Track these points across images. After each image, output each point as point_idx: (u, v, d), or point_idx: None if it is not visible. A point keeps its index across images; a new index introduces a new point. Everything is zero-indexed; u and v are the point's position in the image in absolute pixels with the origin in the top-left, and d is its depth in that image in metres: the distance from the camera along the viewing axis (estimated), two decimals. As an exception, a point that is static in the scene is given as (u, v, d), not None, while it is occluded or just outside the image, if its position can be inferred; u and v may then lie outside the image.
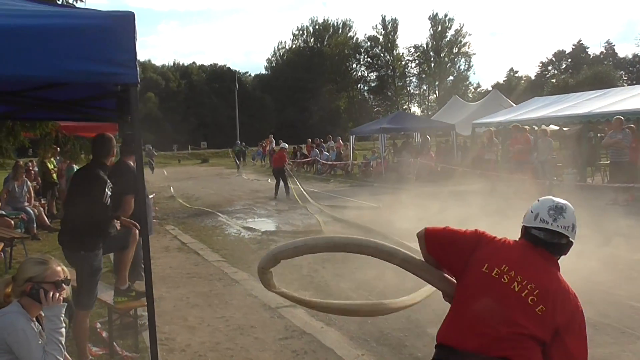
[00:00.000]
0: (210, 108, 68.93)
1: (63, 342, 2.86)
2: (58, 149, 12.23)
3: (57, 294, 2.90)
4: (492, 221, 8.91)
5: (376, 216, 11.77)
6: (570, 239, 2.58)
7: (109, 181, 4.48)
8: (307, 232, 10.53)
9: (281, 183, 16.28)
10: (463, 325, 2.45)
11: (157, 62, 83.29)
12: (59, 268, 2.98)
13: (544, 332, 2.38)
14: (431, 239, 2.81)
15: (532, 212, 2.63)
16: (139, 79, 2.75)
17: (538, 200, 2.69)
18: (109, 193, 4.43)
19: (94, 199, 4.33)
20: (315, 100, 68.88)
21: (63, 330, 2.88)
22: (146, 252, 3.03)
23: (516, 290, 2.42)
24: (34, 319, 2.91)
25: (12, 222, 9.49)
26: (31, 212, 10.62)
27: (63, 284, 2.95)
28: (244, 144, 40.11)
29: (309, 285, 6.71)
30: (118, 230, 4.78)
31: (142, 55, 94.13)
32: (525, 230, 2.62)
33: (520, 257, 2.53)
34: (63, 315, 2.91)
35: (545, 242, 2.54)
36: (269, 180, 20.04)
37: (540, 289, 2.42)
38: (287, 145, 19.06)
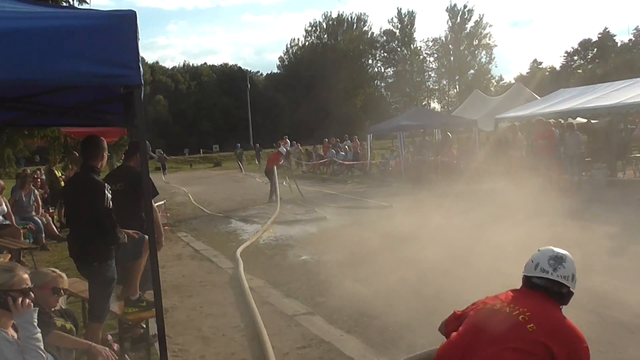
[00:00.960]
0: (222, 110, 69.30)
1: (42, 348, 2.87)
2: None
3: (27, 300, 2.91)
4: (515, 221, 8.84)
5: (387, 217, 11.73)
6: (571, 289, 2.72)
7: (106, 184, 4.48)
8: (320, 234, 10.55)
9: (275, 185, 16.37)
10: (457, 345, 2.64)
11: (167, 64, 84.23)
12: (25, 275, 3.01)
13: (536, 348, 2.47)
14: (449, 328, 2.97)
15: (532, 261, 2.79)
16: (142, 80, 2.75)
17: (539, 250, 2.85)
18: (109, 196, 4.41)
19: (95, 205, 4.32)
20: (331, 99, 68.81)
21: (39, 335, 2.89)
22: (154, 261, 3.03)
23: (507, 311, 2.60)
24: (9, 328, 2.92)
25: (22, 231, 9.52)
26: (39, 221, 10.71)
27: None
28: (239, 146, 40.47)
29: (327, 291, 6.67)
30: (129, 238, 4.79)
31: (150, 57, 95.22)
32: (526, 279, 2.78)
33: (517, 295, 2.73)
34: (35, 320, 2.91)
35: (546, 289, 2.69)
36: (284, 183, 20.04)
37: (532, 312, 2.56)
38: (284, 149, 19.10)
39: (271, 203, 15.90)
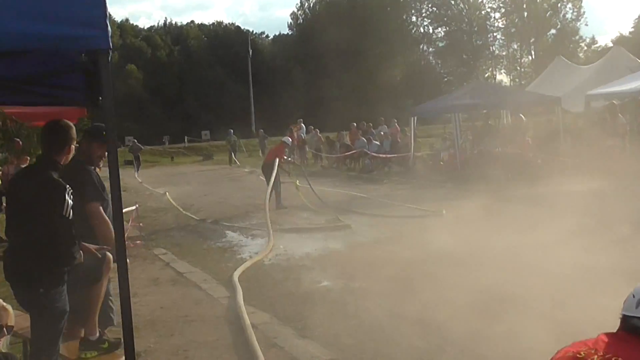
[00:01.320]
0: (215, 84, 69.75)
1: None
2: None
3: None
4: (615, 238, 8.71)
5: (437, 229, 11.69)
6: None
7: (67, 186, 4.50)
8: (346, 252, 10.51)
9: (275, 188, 16.28)
10: None
11: (141, 22, 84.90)
12: None
13: None
14: None
15: (634, 296, 2.75)
16: (111, 44, 2.74)
17: None
18: (70, 202, 4.44)
19: (51, 213, 4.34)
20: (360, 70, 68.69)
21: None
22: (124, 287, 3.02)
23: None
24: None
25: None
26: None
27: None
28: (232, 133, 40.77)
29: (357, 330, 6.64)
30: (88, 256, 4.80)
31: (118, 14, 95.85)
32: (625, 320, 2.74)
33: (612, 340, 2.69)
34: None
35: None
36: (297, 182, 20.01)
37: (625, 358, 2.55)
38: (289, 140, 19.10)
39: (282, 209, 15.99)
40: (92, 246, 4.89)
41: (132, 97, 61.05)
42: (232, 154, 37.92)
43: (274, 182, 16.03)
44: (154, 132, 54.03)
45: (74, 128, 4.77)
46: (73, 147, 4.80)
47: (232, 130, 40.90)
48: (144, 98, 65.61)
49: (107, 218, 5.29)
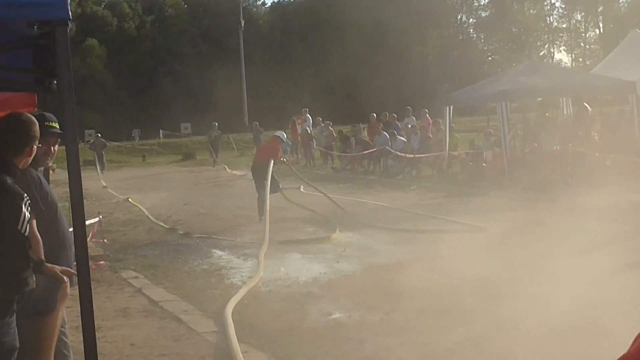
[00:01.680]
0: (198, 65, 69.81)
1: None
2: None
3: None
4: None
5: (476, 248, 11.70)
6: None
7: (25, 195, 4.53)
8: (362, 277, 10.52)
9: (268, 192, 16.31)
10: None
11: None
12: None
13: None
14: None
15: None
16: (69, 12, 2.77)
17: None
18: (28, 215, 4.47)
19: (3, 227, 4.38)
20: (381, 46, 68.55)
21: None
22: (87, 320, 3.06)
23: None
24: None
25: None
26: None
27: None
28: (216, 127, 41.17)
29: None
30: (44, 280, 4.84)
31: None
32: None
33: None
34: None
35: None
36: (301, 188, 19.92)
37: None
38: (283, 135, 18.90)
39: (261, 221, 15.94)
40: (57, 267, 4.93)
41: (93, 80, 61.21)
42: (213, 153, 38.89)
43: (268, 187, 16.13)
44: (120, 125, 54.15)
45: (37, 124, 4.80)
46: (35, 147, 4.81)
47: (216, 124, 41.07)
48: (108, 81, 65.78)
49: (37, 234, 5.28)
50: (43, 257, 5.12)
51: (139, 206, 19.89)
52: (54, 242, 5.43)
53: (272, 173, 16.51)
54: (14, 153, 4.65)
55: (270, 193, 16.23)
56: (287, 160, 20.47)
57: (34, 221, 5.20)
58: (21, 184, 5.36)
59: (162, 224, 16.90)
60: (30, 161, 4.85)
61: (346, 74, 65.00)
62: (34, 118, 4.85)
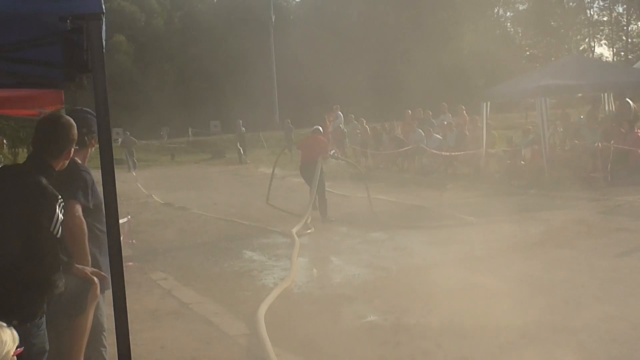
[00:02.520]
0: (227, 61, 69.79)
1: None
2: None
3: None
4: None
5: (521, 250, 11.57)
6: None
7: (59, 196, 4.56)
8: (398, 277, 10.48)
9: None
10: None
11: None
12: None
13: None
14: None
15: None
16: (103, 7, 2.77)
17: None
18: (61, 217, 4.52)
19: (36, 227, 4.41)
20: (414, 40, 68.32)
21: None
22: (121, 320, 3.05)
23: None
24: None
25: None
26: None
27: None
28: (241, 124, 41.48)
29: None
30: (74, 281, 4.91)
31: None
32: None
33: None
34: None
35: None
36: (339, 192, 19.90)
37: None
38: (320, 129, 18.95)
39: (327, 222, 16.17)
40: (87, 269, 4.94)
41: (120, 78, 61.14)
42: (241, 151, 39.43)
43: (318, 186, 16.29)
44: (148, 123, 54.19)
45: (75, 127, 4.84)
46: (73, 150, 4.88)
47: (241, 121, 41.34)
48: (135, 79, 65.75)
49: (84, 225, 5.30)
50: (88, 251, 5.18)
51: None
52: (101, 243, 5.45)
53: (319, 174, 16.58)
54: (52, 155, 4.69)
55: (322, 193, 16.48)
56: (338, 157, 20.47)
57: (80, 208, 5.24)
58: (78, 180, 5.39)
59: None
60: (67, 164, 4.89)
61: (379, 69, 64.72)
62: (72, 121, 4.88)
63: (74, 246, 5.07)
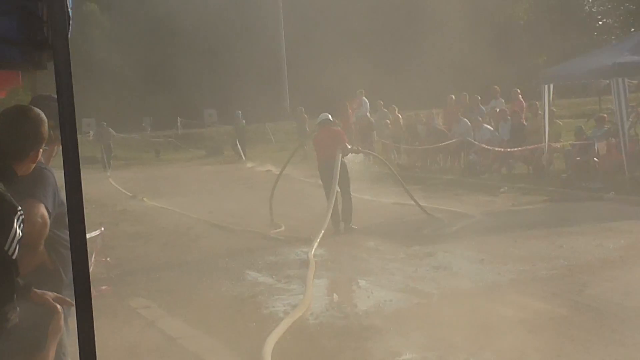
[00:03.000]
0: (225, 36, 70.26)
1: None
2: None
3: None
4: None
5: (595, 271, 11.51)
6: None
7: (19, 208, 4.49)
8: (447, 304, 10.39)
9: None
10: None
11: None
12: None
13: None
14: None
15: None
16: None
17: None
18: (20, 233, 4.44)
19: None
20: (459, 10, 68.53)
21: None
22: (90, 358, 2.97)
23: None
24: None
25: None
26: None
27: None
28: (240, 115, 41.95)
29: None
30: (30, 310, 4.85)
31: None
32: None
33: None
34: None
35: None
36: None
37: None
38: (324, 119, 18.88)
39: (348, 231, 16.29)
40: (49, 294, 4.87)
41: (91, 56, 61.63)
42: (238, 145, 40.42)
43: (341, 185, 16.37)
44: (126, 112, 54.53)
45: (46, 123, 4.84)
46: (41, 152, 4.87)
47: (240, 113, 41.70)
48: (111, 57, 66.16)
49: (46, 230, 5.25)
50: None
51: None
52: (67, 260, 5.40)
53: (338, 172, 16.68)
54: (15, 157, 4.65)
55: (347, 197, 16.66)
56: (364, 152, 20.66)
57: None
58: (36, 181, 5.34)
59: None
60: (32, 167, 4.88)
61: (411, 49, 64.80)
62: (43, 115, 4.85)
63: (31, 259, 5.05)
